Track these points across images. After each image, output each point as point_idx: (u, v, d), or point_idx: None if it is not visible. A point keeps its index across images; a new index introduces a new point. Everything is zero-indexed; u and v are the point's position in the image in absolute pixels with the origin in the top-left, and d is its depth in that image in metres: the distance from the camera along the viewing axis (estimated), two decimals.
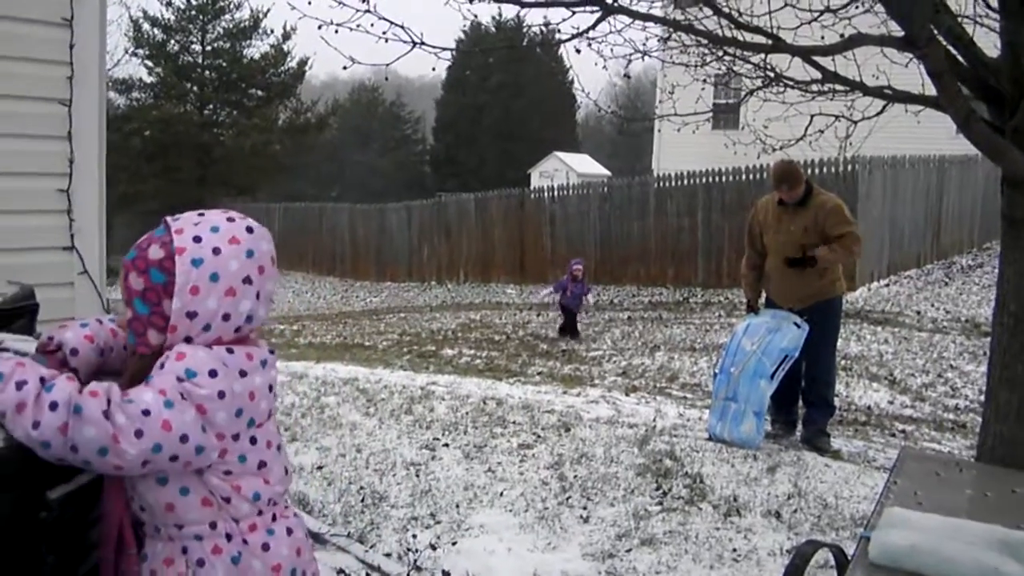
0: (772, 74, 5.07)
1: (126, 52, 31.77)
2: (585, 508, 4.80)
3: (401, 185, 42.15)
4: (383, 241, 23.64)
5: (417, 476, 5.33)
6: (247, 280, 1.81)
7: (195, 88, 33.65)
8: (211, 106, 34.40)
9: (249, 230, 1.85)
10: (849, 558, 2.91)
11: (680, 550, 4.25)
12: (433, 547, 4.27)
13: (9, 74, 3.45)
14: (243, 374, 1.78)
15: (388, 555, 4.21)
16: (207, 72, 33.67)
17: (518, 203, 20.15)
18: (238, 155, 32.37)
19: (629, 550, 4.25)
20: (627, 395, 8.06)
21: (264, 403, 1.84)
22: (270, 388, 1.87)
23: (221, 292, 1.78)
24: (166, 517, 1.79)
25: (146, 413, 1.65)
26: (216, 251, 1.79)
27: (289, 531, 1.93)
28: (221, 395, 1.73)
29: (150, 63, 32.82)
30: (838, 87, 4.76)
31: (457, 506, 4.83)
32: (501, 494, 5.02)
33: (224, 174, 32.74)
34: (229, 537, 1.82)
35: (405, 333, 13.55)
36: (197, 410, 1.70)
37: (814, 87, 4.89)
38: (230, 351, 1.79)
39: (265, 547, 1.86)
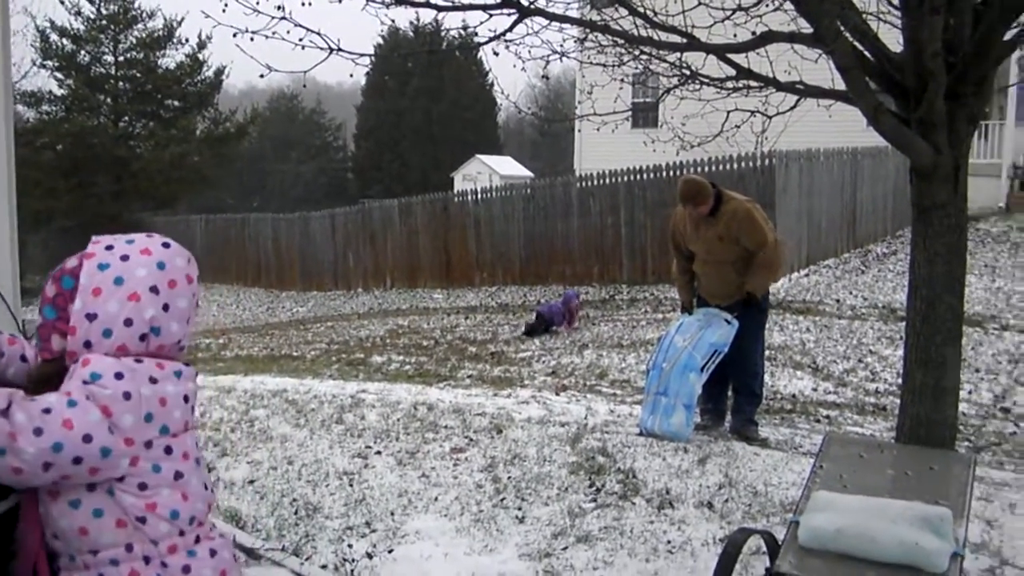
0: (688, 72, 5.17)
1: (34, 64, 30.77)
2: (520, 509, 4.82)
3: (323, 193, 41.82)
4: (307, 250, 23.38)
5: (351, 485, 5.29)
6: (154, 289, 1.80)
7: (108, 100, 32.77)
8: (126, 118, 33.56)
9: (166, 245, 1.86)
10: (780, 543, 2.98)
11: (616, 545, 4.30)
12: (369, 556, 4.25)
13: None
14: (153, 380, 1.77)
15: (324, 567, 4.17)
16: (121, 83, 32.81)
17: (442, 207, 20.11)
18: (156, 167, 31.62)
19: (565, 548, 4.29)
20: (557, 394, 8.11)
21: (178, 412, 1.82)
22: (185, 399, 1.86)
23: (124, 296, 1.77)
24: (81, 542, 1.75)
25: (47, 411, 1.64)
26: (124, 257, 1.80)
27: (213, 552, 1.89)
28: (127, 396, 1.71)
29: (60, 75, 31.84)
30: (752, 83, 4.87)
31: (392, 513, 4.81)
32: (436, 499, 5.01)
33: (142, 187, 31.94)
34: (147, 560, 1.78)
35: (333, 342, 13.43)
36: (102, 411, 1.68)
37: (729, 84, 4.99)
38: (139, 361, 1.78)
39: (186, 569, 1.83)
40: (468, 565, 4.14)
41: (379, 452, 5.95)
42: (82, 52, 32.00)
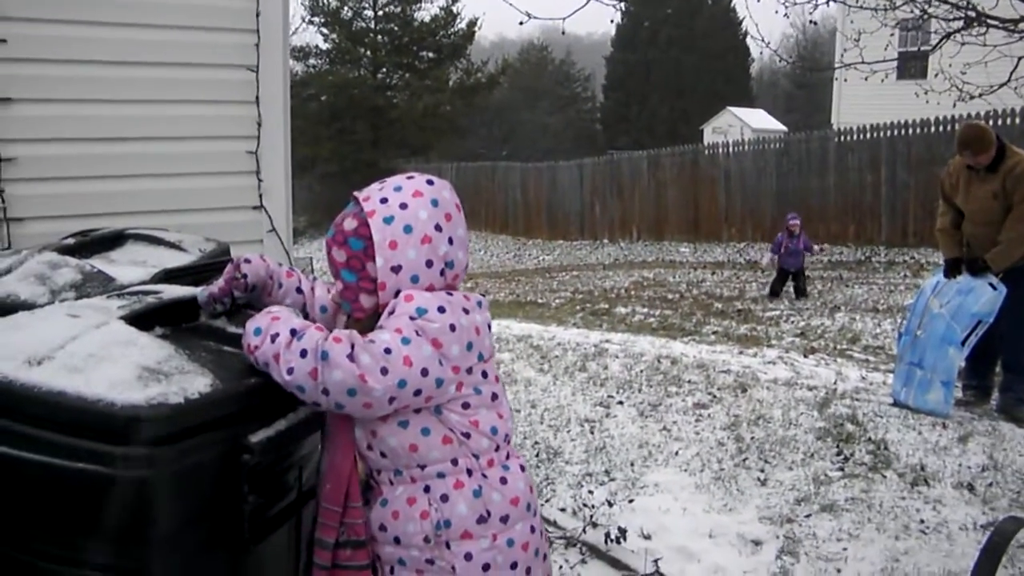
0: (972, 14, 4.74)
1: (303, 20, 33.04)
2: (762, 471, 4.69)
3: (571, 143, 42.09)
4: (554, 199, 23.70)
5: (591, 433, 5.34)
6: (438, 228, 1.90)
7: (368, 53, 34.50)
8: (384, 70, 35.21)
9: (429, 182, 1.95)
10: None
11: (863, 518, 4.10)
12: (609, 504, 4.27)
13: (206, 44, 3.64)
14: (466, 311, 1.88)
15: (563, 510, 4.25)
16: (379, 36, 34.44)
17: (691, 160, 19.79)
18: (411, 117, 33.05)
19: (808, 515, 4.13)
20: (805, 356, 7.81)
21: (488, 340, 1.94)
22: (489, 328, 1.96)
23: (417, 241, 1.87)
24: (409, 458, 1.89)
25: (388, 351, 1.76)
26: (403, 206, 1.89)
27: (522, 468, 2.02)
28: (452, 328, 1.83)
29: (325, 30, 33.93)
30: None
31: (632, 464, 4.82)
32: (676, 453, 4.97)
33: (398, 136, 33.54)
34: (470, 472, 1.92)
35: (578, 291, 13.58)
36: (433, 344, 1.80)
37: (1023, 25, 4.53)
38: (449, 294, 1.89)
39: (503, 480, 1.95)
40: (706, 522, 4.08)
41: (621, 402, 5.97)
42: (345, 8, 33.86)
